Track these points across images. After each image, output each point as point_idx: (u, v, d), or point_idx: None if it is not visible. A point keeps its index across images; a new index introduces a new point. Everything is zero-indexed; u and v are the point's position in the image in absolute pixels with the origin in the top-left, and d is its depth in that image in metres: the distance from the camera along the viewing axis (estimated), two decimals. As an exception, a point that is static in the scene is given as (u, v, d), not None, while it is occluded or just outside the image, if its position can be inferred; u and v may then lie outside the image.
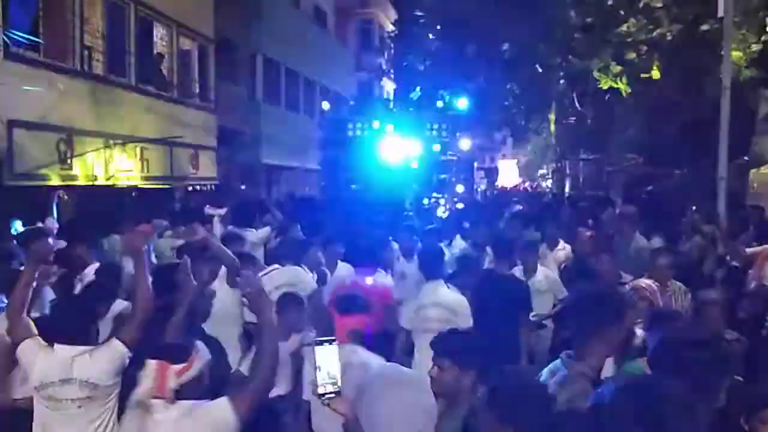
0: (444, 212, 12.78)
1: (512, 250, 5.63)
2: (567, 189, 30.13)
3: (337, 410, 1.72)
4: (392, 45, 24.81)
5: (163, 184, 12.58)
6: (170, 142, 12.50)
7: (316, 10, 23.59)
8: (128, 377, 2.95)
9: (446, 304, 4.30)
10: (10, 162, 8.33)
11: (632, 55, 12.61)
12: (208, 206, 7.73)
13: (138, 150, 11.42)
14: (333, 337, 1.87)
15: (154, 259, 6.35)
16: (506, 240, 5.92)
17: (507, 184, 43.59)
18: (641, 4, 12.29)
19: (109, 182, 10.60)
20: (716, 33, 9.82)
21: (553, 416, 1.93)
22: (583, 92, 16.25)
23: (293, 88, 20.90)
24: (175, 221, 7.77)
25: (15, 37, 8.56)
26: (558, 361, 2.56)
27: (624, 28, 12.62)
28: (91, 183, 10.16)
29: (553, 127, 25.05)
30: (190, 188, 14.09)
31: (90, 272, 4.84)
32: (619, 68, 12.98)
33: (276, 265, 5.09)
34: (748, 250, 6.12)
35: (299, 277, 4.94)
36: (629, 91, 13.28)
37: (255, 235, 7.03)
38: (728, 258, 6.53)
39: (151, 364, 2.35)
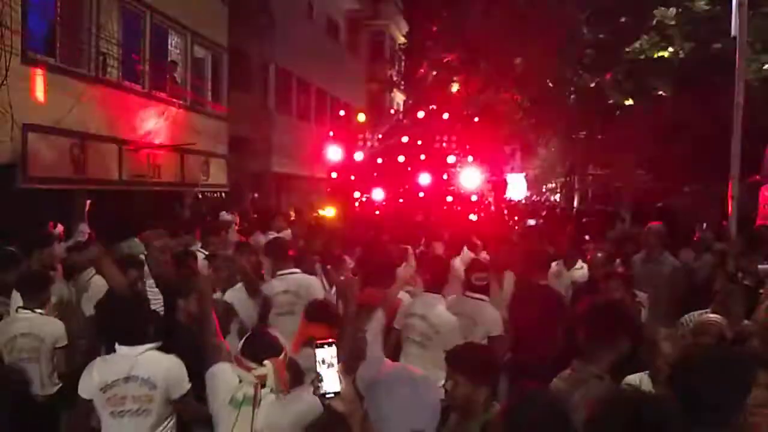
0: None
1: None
2: (575, 204, 30.11)
3: (337, 409, 1.79)
4: (403, 57, 24.91)
5: (174, 190, 12.67)
6: (182, 149, 12.61)
7: (329, 21, 23.76)
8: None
9: (432, 319, 4.31)
10: (24, 166, 8.41)
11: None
12: (224, 212, 7.78)
13: (150, 155, 11.51)
14: (332, 340, 1.96)
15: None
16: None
17: (515, 197, 43.55)
18: (654, 22, 12.31)
19: (121, 187, 10.68)
20: (729, 51, 9.82)
21: None
22: (593, 108, 16.25)
23: (304, 97, 21.02)
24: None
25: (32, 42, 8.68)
26: (569, 369, 2.67)
27: (636, 45, 12.64)
28: (103, 188, 10.24)
29: (561, 141, 25.07)
30: (201, 195, 14.18)
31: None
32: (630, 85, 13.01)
33: (296, 269, 5.14)
34: (760, 267, 6.10)
35: (309, 283, 5.00)
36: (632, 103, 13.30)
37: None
38: (740, 276, 6.49)
39: (268, 363, 2.52)
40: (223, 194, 14.80)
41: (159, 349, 3.30)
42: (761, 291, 5.83)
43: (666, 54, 12.28)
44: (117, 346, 3.24)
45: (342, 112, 12.95)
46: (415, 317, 4.41)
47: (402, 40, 27.44)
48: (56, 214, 8.62)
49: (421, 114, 12.40)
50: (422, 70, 19.96)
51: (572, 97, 16.85)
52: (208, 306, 2.92)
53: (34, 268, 5.11)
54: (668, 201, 17.11)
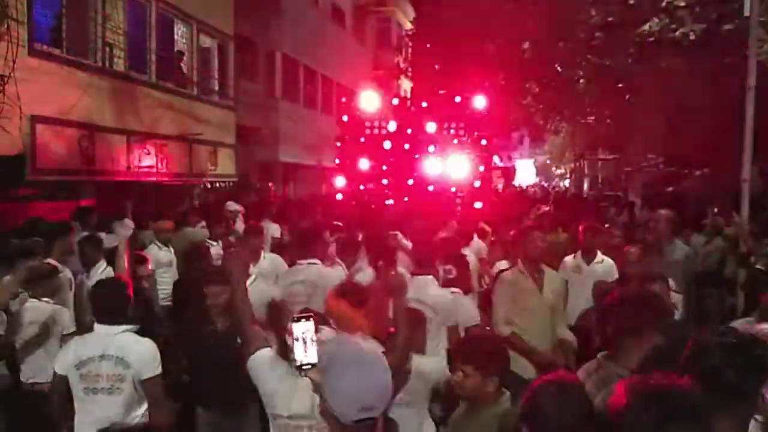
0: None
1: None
2: (585, 189, 29.97)
3: (313, 379, 1.90)
4: (410, 43, 24.76)
5: (182, 181, 12.70)
6: (189, 139, 12.62)
7: (334, 8, 23.63)
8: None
9: (427, 300, 4.24)
10: (32, 157, 8.44)
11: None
12: (230, 202, 7.82)
13: (158, 146, 11.53)
14: (310, 314, 2.06)
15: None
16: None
17: (524, 183, 43.42)
18: (663, 3, 12.14)
19: (129, 178, 10.72)
20: (740, 32, 9.66)
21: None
22: (602, 91, 16.10)
23: (311, 85, 20.96)
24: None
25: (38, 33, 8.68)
26: (594, 362, 2.61)
27: (646, 27, 12.47)
28: (111, 179, 10.28)
29: (570, 126, 24.90)
30: (209, 185, 14.20)
31: None
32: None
33: (315, 260, 5.14)
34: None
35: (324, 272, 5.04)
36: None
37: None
38: (752, 260, 6.43)
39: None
40: (231, 184, 14.81)
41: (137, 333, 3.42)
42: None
43: (676, 35, 12.09)
44: (95, 324, 3.39)
45: (343, 99, 12.80)
46: (410, 302, 4.33)
47: (409, 26, 27.26)
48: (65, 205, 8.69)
49: (424, 103, 12.32)
50: (429, 57, 19.83)
51: (581, 81, 16.69)
52: (244, 292, 2.91)
53: (54, 257, 5.18)
54: (679, 185, 17.00)
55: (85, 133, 9.56)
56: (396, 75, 25.69)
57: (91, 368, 3.27)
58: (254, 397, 2.77)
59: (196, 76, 13.50)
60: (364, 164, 11.88)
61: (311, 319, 2.04)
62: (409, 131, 11.81)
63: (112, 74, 10.45)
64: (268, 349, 2.69)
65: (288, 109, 18.72)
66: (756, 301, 5.56)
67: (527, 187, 37.94)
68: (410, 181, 11.89)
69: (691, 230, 8.64)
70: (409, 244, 6.34)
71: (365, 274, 5.02)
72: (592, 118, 20.08)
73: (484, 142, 12.22)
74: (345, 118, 12.29)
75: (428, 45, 20.14)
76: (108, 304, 3.40)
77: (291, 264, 5.47)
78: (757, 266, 6.32)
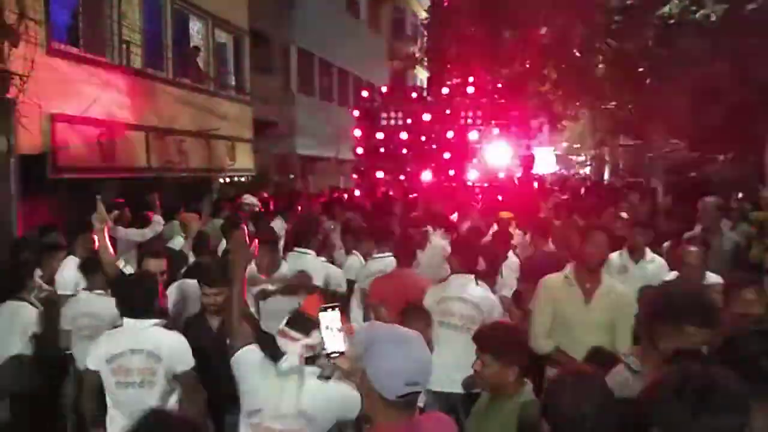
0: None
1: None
2: (606, 176, 29.59)
3: (341, 367, 1.98)
4: (426, 33, 24.59)
5: (201, 176, 12.77)
6: (207, 134, 12.67)
7: (349, -1, 23.55)
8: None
9: (471, 299, 4.23)
10: (53, 156, 8.53)
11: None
12: (247, 195, 7.83)
13: (176, 142, 11.60)
14: (336, 304, 2.14)
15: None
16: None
17: (544, 171, 42.98)
18: (684, -16, 11.91)
19: (150, 174, 10.79)
20: (764, 12, 9.44)
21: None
22: (622, 76, 15.83)
23: (327, 78, 20.93)
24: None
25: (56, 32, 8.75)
26: (621, 365, 2.55)
27: (666, 9, 12.23)
28: (132, 175, 10.37)
29: (590, 113, 24.58)
30: (228, 179, 14.27)
31: None
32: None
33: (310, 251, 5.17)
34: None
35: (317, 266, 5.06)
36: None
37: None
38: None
39: (315, 333, 2.59)
40: (250, 178, 14.87)
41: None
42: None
43: (697, 17, 11.83)
44: (124, 319, 3.38)
45: (365, 93, 12.74)
46: (451, 300, 4.27)
47: (424, 15, 27.08)
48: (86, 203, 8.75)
49: (445, 90, 12.23)
50: (445, 45, 19.67)
51: (601, 66, 16.44)
52: (237, 289, 2.93)
53: (79, 253, 5.28)
54: (703, 170, 16.68)
55: (105, 131, 9.63)
56: (412, 65, 25.56)
57: (122, 362, 3.27)
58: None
59: (213, 72, 13.54)
60: (381, 156, 11.88)
61: (337, 308, 2.11)
62: (425, 121, 11.77)
63: (130, 71, 10.51)
64: (254, 346, 2.70)
65: (304, 102, 18.74)
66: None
67: (546, 175, 37.59)
68: (428, 173, 11.86)
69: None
70: (441, 240, 6.33)
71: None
72: (613, 103, 19.79)
73: (496, 131, 12.11)
74: (360, 110, 12.28)
75: (443, 34, 19.98)
76: (136, 298, 3.39)
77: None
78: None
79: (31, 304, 4.55)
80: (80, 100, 9.03)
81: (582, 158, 43.23)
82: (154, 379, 3.27)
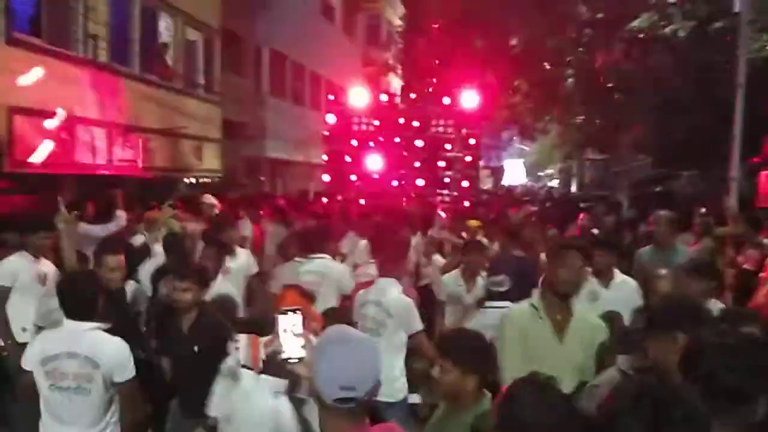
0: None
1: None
2: (573, 189, 30.03)
3: (301, 374, 1.98)
4: (400, 40, 24.65)
5: (166, 175, 12.49)
6: (173, 133, 12.42)
7: (324, 4, 23.45)
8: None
9: (385, 303, 4.06)
10: (10, 149, 8.24)
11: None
12: (207, 195, 7.70)
13: (141, 140, 11.33)
14: (297, 307, 2.10)
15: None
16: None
17: (513, 183, 43.47)
18: (653, 0, 12.12)
19: (111, 172, 10.52)
20: (729, 31, 9.63)
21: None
22: (591, 90, 16.06)
23: (299, 81, 20.79)
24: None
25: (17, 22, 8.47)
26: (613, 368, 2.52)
27: (635, 24, 12.44)
28: (92, 172, 10.08)
29: (559, 126, 24.90)
30: (194, 180, 14.00)
31: None
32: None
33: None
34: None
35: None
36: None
37: None
38: (740, 261, 6.39)
39: (242, 337, 2.66)
40: (217, 179, 14.63)
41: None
42: (761, 275, 5.74)
43: (666, 32, 12.06)
44: (65, 320, 3.20)
45: (331, 97, 12.68)
46: (369, 305, 4.15)
47: (398, 23, 27.15)
48: (44, 198, 8.47)
49: (413, 95, 12.24)
50: (418, 52, 19.74)
51: (570, 80, 16.65)
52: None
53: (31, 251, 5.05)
54: (667, 185, 16.98)
55: (65, 125, 9.35)
56: (385, 72, 25.59)
57: (57, 365, 3.09)
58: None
59: (181, 70, 13.29)
60: (351, 161, 11.81)
61: (298, 312, 2.05)
62: (397, 128, 11.75)
63: (94, 65, 10.24)
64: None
65: (275, 105, 18.55)
66: (744, 302, 5.50)
67: (515, 187, 38.00)
68: (395, 181, 11.83)
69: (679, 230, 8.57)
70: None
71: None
72: (582, 117, 20.08)
73: (472, 140, 12.15)
74: (332, 115, 12.20)
75: (417, 42, 20.06)
76: (77, 299, 3.21)
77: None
78: (745, 266, 6.28)
79: None
80: (41, 92, 8.74)
81: (550, 171, 43.88)
82: (90, 386, 3.09)
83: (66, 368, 3.08)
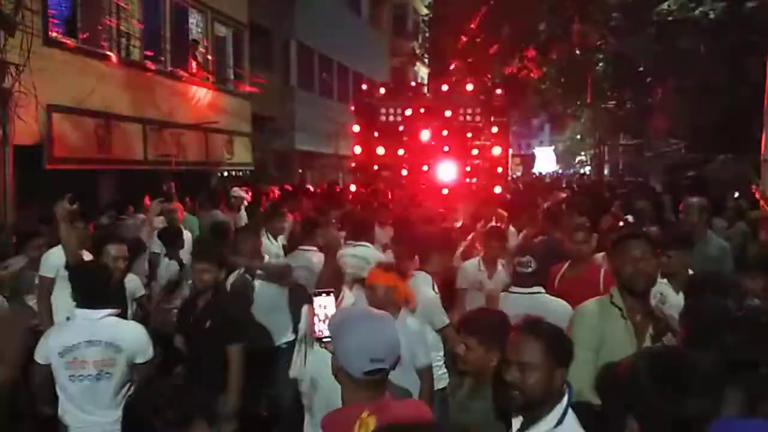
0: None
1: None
2: (606, 175, 29.61)
3: (332, 351, 1.97)
4: (426, 29, 24.56)
5: (199, 169, 12.77)
6: (205, 128, 12.67)
7: (351, -4, 23.52)
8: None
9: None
10: (49, 146, 8.54)
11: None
12: (235, 188, 7.86)
13: (174, 135, 11.59)
14: (330, 290, 2.19)
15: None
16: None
17: (544, 170, 43.02)
18: (683, -19, 11.88)
19: (146, 167, 10.80)
20: (764, 10, 9.41)
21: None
22: (622, 75, 15.81)
23: (327, 74, 20.91)
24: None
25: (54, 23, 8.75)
26: None
27: (665, 6, 12.19)
28: (128, 168, 10.37)
29: (590, 112, 24.59)
30: (226, 173, 14.26)
31: None
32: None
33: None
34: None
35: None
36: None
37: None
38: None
39: (305, 307, 2.85)
40: (248, 172, 14.87)
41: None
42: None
43: (696, 14, 11.79)
44: (76, 310, 3.26)
45: (364, 86, 12.72)
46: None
47: (425, 11, 27.04)
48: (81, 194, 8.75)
49: (445, 87, 12.21)
50: (446, 40, 19.65)
51: (600, 65, 16.43)
52: None
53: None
54: (701, 170, 16.67)
55: (102, 122, 9.63)
56: (412, 62, 25.54)
57: (77, 355, 3.14)
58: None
59: (212, 65, 13.53)
60: (380, 151, 11.85)
61: (331, 294, 2.14)
62: (424, 117, 11.75)
63: (128, 63, 10.51)
64: None
65: (304, 98, 18.71)
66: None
67: (546, 174, 37.61)
68: (425, 167, 11.84)
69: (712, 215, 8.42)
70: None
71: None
72: (613, 102, 19.79)
73: (495, 129, 12.07)
74: (360, 106, 12.26)
75: (444, 30, 19.97)
76: (89, 288, 3.29)
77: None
78: (779, 249, 6.19)
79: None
80: (78, 91, 9.03)
81: (582, 157, 43.27)
82: (113, 371, 3.17)
83: (86, 356, 3.15)
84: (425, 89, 14.17)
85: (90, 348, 3.15)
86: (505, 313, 2.90)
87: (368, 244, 5.21)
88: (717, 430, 1.60)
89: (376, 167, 11.90)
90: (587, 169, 39.93)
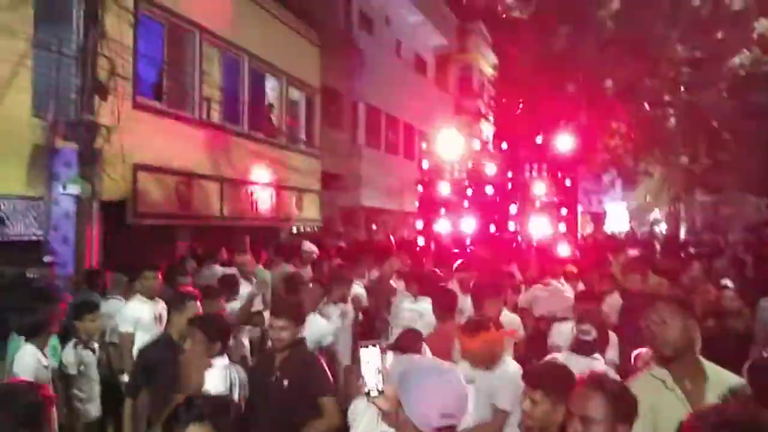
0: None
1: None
2: (682, 233, 28.46)
3: (380, 407, 1.95)
4: (492, 88, 24.86)
5: (270, 225, 13.20)
6: (278, 186, 13.16)
7: (417, 57, 24.20)
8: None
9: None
10: (134, 202, 9.08)
11: None
12: (306, 242, 8.08)
13: (248, 192, 12.11)
14: (376, 341, 2.16)
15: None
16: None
17: (616, 229, 41.73)
18: (755, 35, 11.63)
19: (222, 223, 11.27)
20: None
21: None
22: (695, 129, 15.43)
23: (393, 132, 21.40)
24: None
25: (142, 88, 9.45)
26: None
27: (737, 60, 11.96)
28: (206, 223, 10.85)
29: (662, 169, 23.94)
30: (295, 229, 14.66)
31: None
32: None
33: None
34: None
35: None
36: None
37: None
38: None
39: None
40: (316, 228, 15.22)
41: None
42: None
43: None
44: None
45: (425, 146, 12.92)
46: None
47: (490, 72, 27.43)
48: (162, 248, 9.23)
49: (504, 145, 12.29)
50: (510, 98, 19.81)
51: (672, 119, 16.11)
52: None
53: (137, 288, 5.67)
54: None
55: (183, 180, 10.19)
56: (478, 120, 25.80)
57: None
58: None
59: (285, 127, 14.14)
60: (444, 209, 11.92)
61: (377, 345, 2.10)
62: (490, 174, 11.81)
63: (208, 125, 11.15)
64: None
65: (370, 156, 19.15)
66: None
67: (618, 233, 36.43)
68: (492, 227, 11.80)
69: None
70: None
71: None
72: (686, 158, 19.25)
73: (568, 182, 11.97)
74: (426, 162, 12.45)
75: (510, 89, 20.17)
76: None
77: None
78: None
79: None
80: (161, 151, 9.63)
81: (656, 215, 41.83)
82: None
83: None
84: (490, 146, 14.26)
85: None
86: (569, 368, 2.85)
87: (427, 298, 5.36)
88: None
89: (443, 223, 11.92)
90: (662, 226, 38.54)
